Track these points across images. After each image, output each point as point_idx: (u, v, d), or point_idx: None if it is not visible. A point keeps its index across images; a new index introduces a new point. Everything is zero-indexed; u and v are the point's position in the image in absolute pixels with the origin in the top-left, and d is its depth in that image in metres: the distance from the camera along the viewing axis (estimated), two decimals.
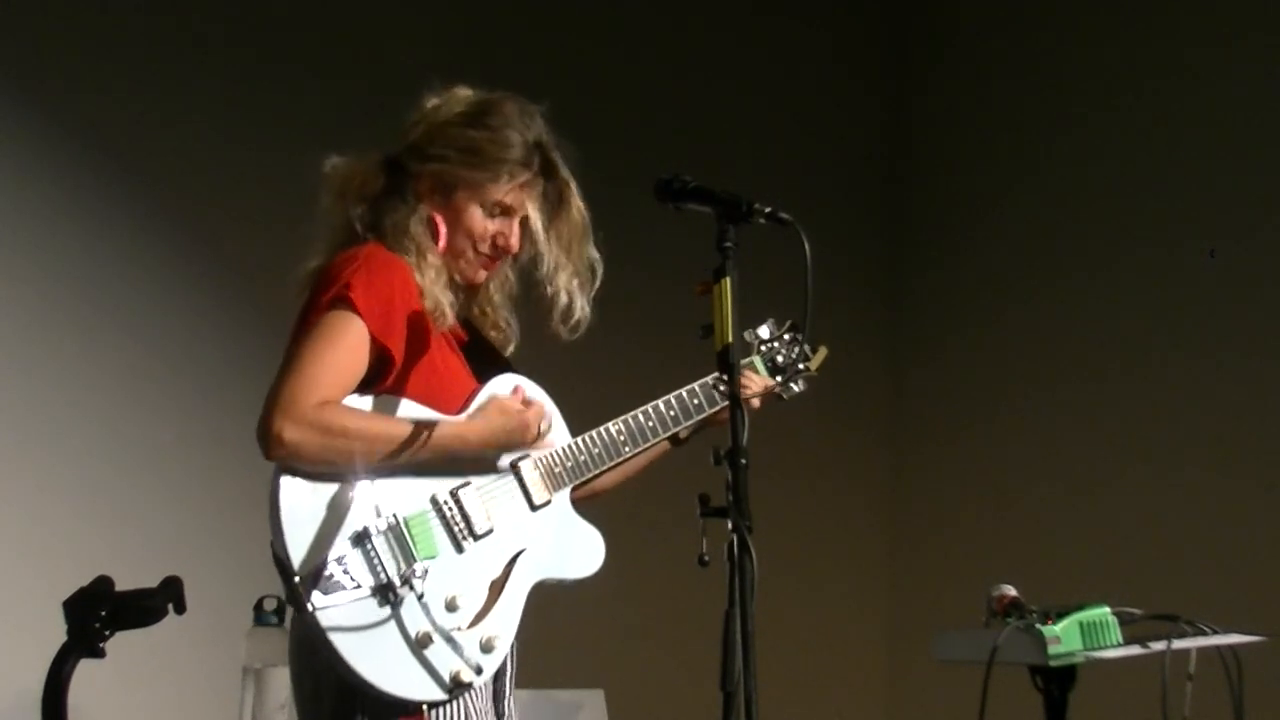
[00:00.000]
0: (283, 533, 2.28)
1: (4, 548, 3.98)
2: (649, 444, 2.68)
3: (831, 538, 5.37)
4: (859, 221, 5.61)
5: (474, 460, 2.45)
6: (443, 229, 2.55)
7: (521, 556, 2.46)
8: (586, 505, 2.65)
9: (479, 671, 2.36)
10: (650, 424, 2.67)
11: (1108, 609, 2.86)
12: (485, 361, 2.61)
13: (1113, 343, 4.91)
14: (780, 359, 2.92)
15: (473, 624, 2.38)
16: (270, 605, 3.19)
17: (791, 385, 2.93)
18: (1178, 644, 2.79)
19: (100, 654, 2.46)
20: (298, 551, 2.27)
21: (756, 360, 2.89)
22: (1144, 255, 4.84)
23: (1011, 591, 2.94)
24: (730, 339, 2.15)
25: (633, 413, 2.66)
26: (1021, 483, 5.09)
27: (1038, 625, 2.81)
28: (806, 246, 2.20)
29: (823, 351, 2.94)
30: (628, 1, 5.34)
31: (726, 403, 2.69)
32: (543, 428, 2.49)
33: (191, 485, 4.27)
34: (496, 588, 2.42)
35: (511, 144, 2.57)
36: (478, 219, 2.57)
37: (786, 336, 2.93)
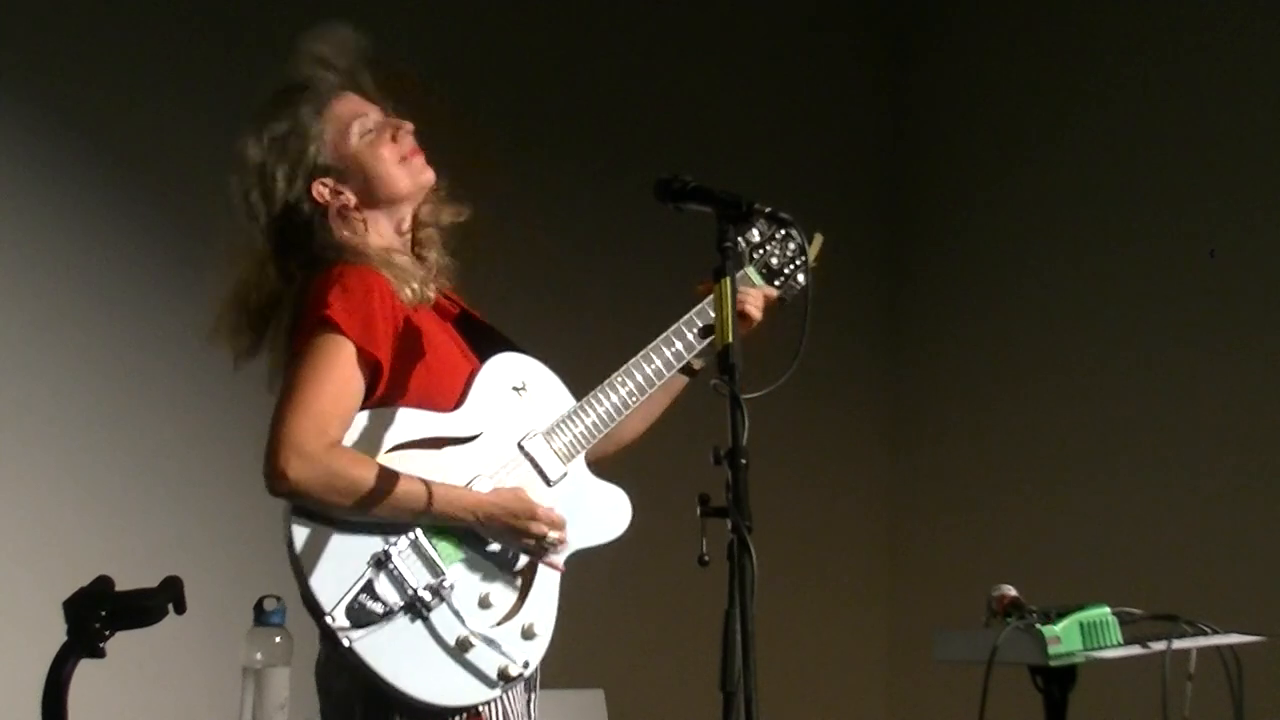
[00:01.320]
0: (304, 574, 2.28)
1: (4, 548, 3.98)
2: (656, 387, 2.63)
3: (831, 538, 5.37)
4: (858, 220, 5.61)
5: (486, 453, 2.44)
6: (352, 197, 2.52)
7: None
8: (615, 459, 2.62)
9: (525, 664, 2.36)
10: (654, 367, 2.62)
11: (1108, 609, 2.86)
12: (480, 338, 2.59)
13: (1113, 343, 4.90)
14: (775, 261, 2.81)
15: (509, 616, 2.37)
16: (270, 605, 3.18)
17: (792, 284, 2.81)
18: (1178, 644, 2.79)
19: (100, 654, 2.45)
20: (323, 589, 2.27)
21: (750, 271, 2.78)
22: (1144, 255, 4.84)
23: (1011, 591, 2.94)
24: (730, 339, 2.14)
25: (634, 359, 2.60)
26: (1021, 482, 5.09)
27: (1038, 625, 2.81)
28: (807, 246, 2.21)
29: (818, 240, 2.81)
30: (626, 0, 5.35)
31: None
32: (551, 538, 2.41)
33: (191, 485, 4.27)
34: (528, 575, 2.41)
35: (297, 104, 2.56)
36: (371, 150, 2.54)
37: (780, 235, 2.80)
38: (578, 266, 4.97)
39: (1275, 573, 4.26)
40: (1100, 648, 2.81)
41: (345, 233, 2.50)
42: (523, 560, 2.42)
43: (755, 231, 2.79)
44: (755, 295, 2.75)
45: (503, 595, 2.38)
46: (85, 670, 2.45)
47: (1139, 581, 4.19)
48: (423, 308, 2.50)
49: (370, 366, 2.37)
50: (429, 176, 2.58)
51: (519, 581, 2.41)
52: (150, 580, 2.53)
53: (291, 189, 2.51)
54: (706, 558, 2.20)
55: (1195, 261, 4.65)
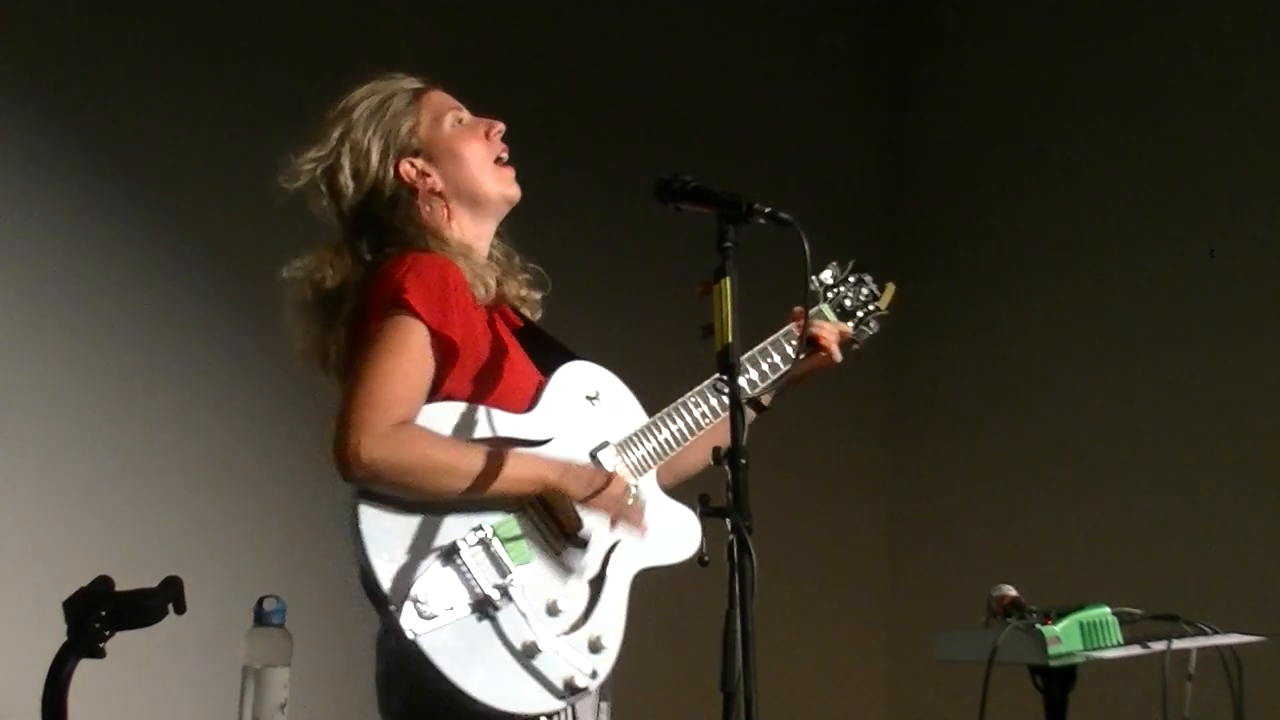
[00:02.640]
0: (370, 560, 2.21)
1: (4, 548, 3.98)
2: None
3: (831, 538, 5.37)
4: (859, 223, 5.61)
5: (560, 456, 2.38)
6: (439, 182, 2.50)
7: (617, 548, 2.39)
8: (674, 492, 2.57)
9: (593, 675, 2.30)
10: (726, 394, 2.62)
11: (1108, 609, 2.86)
12: (542, 347, 2.54)
13: (1112, 343, 4.91)
14: (848, 303, 2.84)
15: (577, 625, 2.32)
16: (270, 605, 3.18)
17: (864, 328, 2.84)
18: (1178, 644, 2.79)
19: (100, 654, 2.45)
20: (388, 578, 2.21)
21: (825, 308, 2.80)
22: (1144, 255, 4.84)
23: (1011, 591, 2.94)
24: (730, 339, 2.14)
25: (706, 383, 2.57)
26: (1021, 483, 5.09)
27: (1038, 625, 2.81)
28: (806, 247, 2.20)
29: (891, 288, 2.84)
30: (627, 1, 5.35)
31: (803, 356, 2.69)
32: (626, 506, 2.37)
33: (191, 485, 4.26)
34: (596, 585, 2.36)
35: (394, 89, 2.55)
36: (463, 138, 2.53)
37: (852, 279, 2.84)
38: (576, 267, 4.96)
39: (1275, 573, 4.26)
40: (1100, 648, 2.81)
41: (429, 215, 2.48)
42: (593, 568, 2.36)
43: (829, 273, 2.82)
44: (831, 329, 2.77)
45: (571, 603, 2.33)
46: (85, 670, 2.45)
47: (1139, 581, 4.19)
48: (492, 311, 2.46)
49: (443, 349, 2.32)
50: (516, 191, 2.57)
51: (588, 591, 2.35)
52: (150, 580, 2.53)
53: (382, 167, 2.49)
54: (706, 558, 2.21)
55: (1195, 261, 4.65)
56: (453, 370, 2.34)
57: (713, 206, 2.28)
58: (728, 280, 2.17)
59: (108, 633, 2.45)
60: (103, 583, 2.51)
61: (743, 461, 2.10)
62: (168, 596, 2.51)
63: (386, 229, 2.46)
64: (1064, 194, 5.13)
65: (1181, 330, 4.71)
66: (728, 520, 2.07)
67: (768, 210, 2.24)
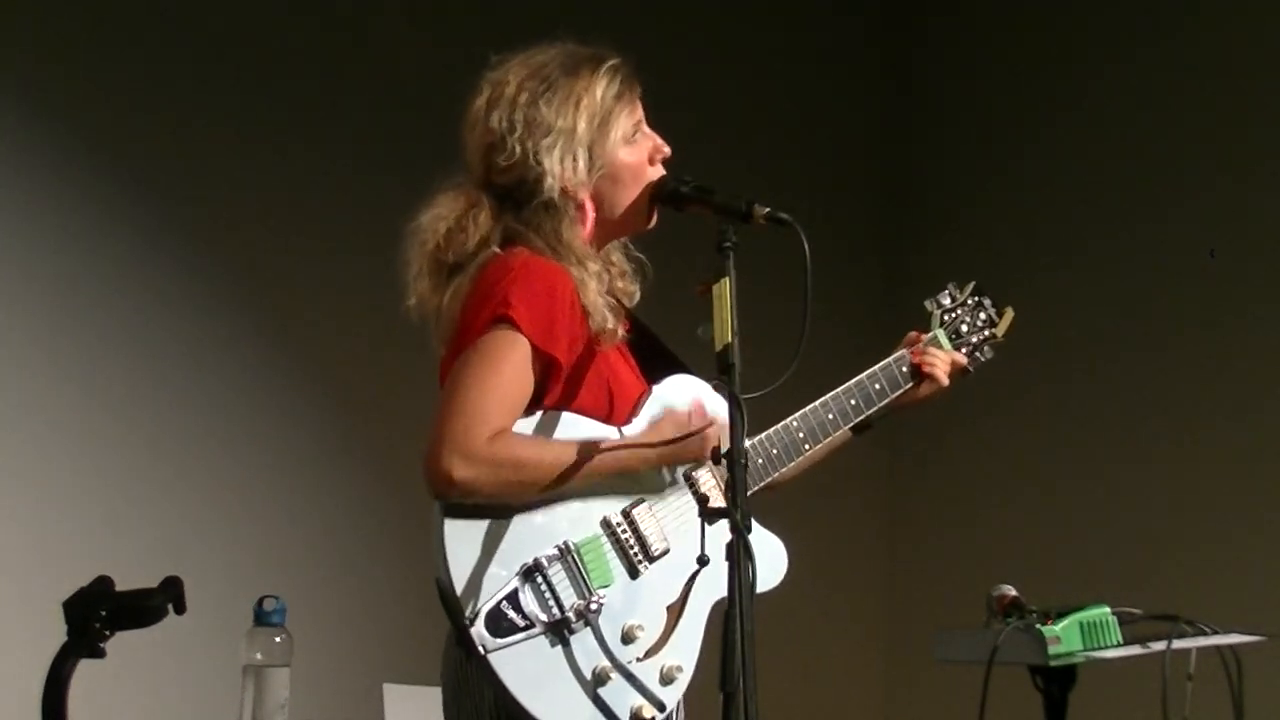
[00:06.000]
0: (449, 571, 2.15)
1: (4, 548, 3.98)
2: (829, 438, 2.59)
3: (831, 538, 5.36)
4: (857, 221, 5.61)
5: (648, 475, 2.32)
6: (591, 214, 2.37)
7: (701, 574, 2.28)
8: (763, 497, 2.52)
9: (661, 708, 2.24)
10: (830, 416, 2.57)
11: (1108, 609, 2.86)
12: (653, 357, 2.46)
13: (1112, 342, 4.90)
14: (964, 328, 2.79)
15: (651, 654, 2.25)
16: (270, 605, 3.18)
17: (977, 355, 2.78)
18: (1178, 644, 2.79)
19: (100, 654, 2.45)
20: (466, 591, 2.15)
21: (940, 334, 2.76)
22: (1144, 254, 4.84)
23: (1011, 591, 2.93)
24: (730, 339, 2.14)
25: (811, 406, 2.54)
26: (1021, 482, 5.09)
27: (1038, 625, 2.80)
28: (806, 247, 2.20)
29: (1009, 314, 2.78)
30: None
31: (912, 384, 2.67)
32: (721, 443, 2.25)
33: (191, 485, 4.27)
34: (674, 612, 2.30)
35: (601, 84, 2.46)
36: (630, 163, 2.41)
37: (970, 301, 2.80)
38: None
39: (1275, 573, 4.26)
40: (1100, 648, 2.81)
41: (568, 227, 2.34)
42: (674, 594, 2.30)
43: (948, 296, 2.80)
44: (944, 359, 2.71)
45: (648, 629, 2.26)
46: (85, 670, 2.45)
47: (1139, 581, 4.19)
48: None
49: (545, 365, 2.25)
50: (653, 224, 2.45)
51: (666, 617, 2.29)
52: (150, 580, 2.53)
53: (552, 172, 2.33)
54: (707, 558, 2.20)
55: (1195, 260, 4.65)
56: (554, 384, 2.27)
57: (712, 206, 2.28)
58: (727, 280, 2.17)
59: (108, 633, 2.45)
60: (103, 583, 2.51)
61: (742, 462, 2.10)
62: (168, 596, 2.51)
63: (526, 224, 2.34)
64: (1067, 192, 5.13)
65: (1181, 330, 4.71)
66: (727, 520, 2.07)
67: (767, 210, 2.24)
